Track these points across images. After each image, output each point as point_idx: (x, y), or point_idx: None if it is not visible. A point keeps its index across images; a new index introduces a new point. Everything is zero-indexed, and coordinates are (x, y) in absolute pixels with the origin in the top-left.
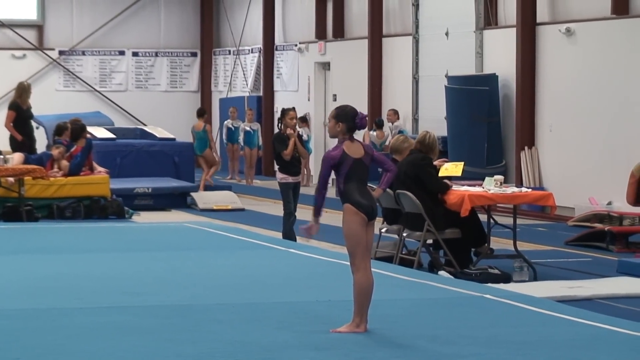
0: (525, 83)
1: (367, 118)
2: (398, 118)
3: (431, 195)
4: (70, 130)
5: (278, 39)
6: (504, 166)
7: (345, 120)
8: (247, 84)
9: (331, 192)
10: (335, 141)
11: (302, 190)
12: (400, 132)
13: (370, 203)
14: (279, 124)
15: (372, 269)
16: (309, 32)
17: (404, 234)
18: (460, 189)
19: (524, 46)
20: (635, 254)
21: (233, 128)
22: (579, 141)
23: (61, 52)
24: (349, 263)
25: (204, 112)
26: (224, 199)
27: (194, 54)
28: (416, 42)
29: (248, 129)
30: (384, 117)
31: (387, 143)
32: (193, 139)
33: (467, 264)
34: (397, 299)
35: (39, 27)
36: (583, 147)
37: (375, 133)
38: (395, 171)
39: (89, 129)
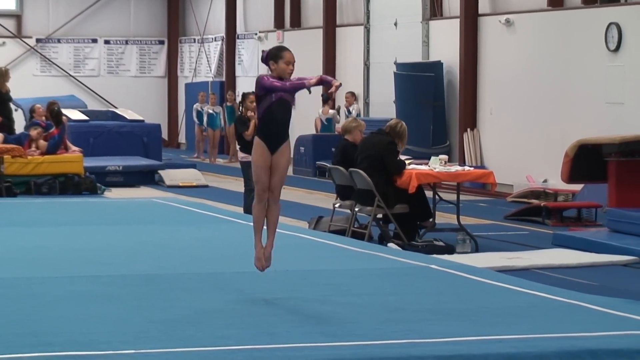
0: (467, 70)
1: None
2: (356, 100)
3: (386, 174)
4: (53, 115)
5: (239, 28)
6: (448, 146)
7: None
8: (210, 70)
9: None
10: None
11: None
12: (357, 116)
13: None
14: (240, 107)
15: (327, 242)
16: (268, 22)
17: (356, 209)
18: (409, 168)
19: (467, 36)
20: (568, 228)
21: (202, 111)
22: (517, 123)
23: (38, 40)
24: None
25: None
26: (189, 176)
27: (161, 42)
28: (367, 31)
29: (211, 111)
30: (342, 100)
31: (334, 121)
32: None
33: (414, 237)
34: (350, 269)
35: (17, 17)
36: (521, 129)
37: (321, 110)
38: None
39: (64, 111)
